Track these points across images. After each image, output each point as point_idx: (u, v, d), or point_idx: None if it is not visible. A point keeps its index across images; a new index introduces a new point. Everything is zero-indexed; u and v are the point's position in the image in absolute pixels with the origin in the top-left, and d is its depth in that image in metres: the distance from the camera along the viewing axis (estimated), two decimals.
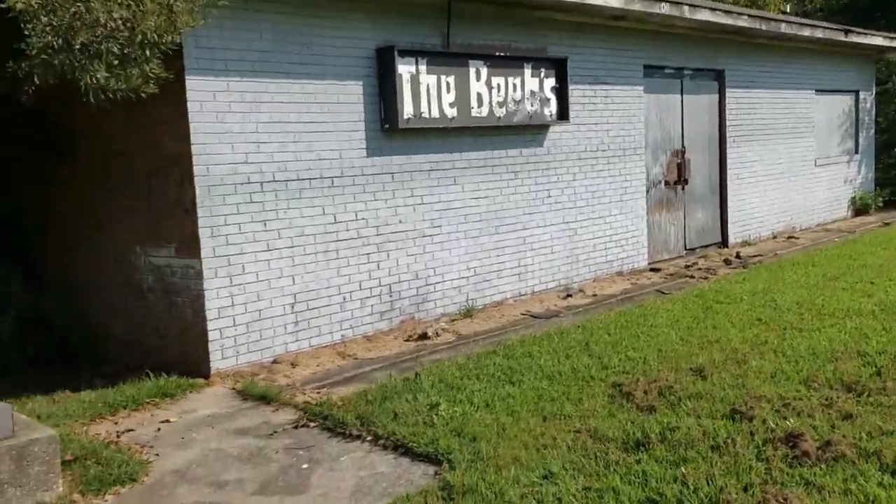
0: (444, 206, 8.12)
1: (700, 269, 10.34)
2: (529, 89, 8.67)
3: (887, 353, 5.88)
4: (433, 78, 7.72)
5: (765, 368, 5.69)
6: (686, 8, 9.83)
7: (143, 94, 4.73)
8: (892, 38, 15.46)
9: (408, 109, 7.50)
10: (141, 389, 6.02)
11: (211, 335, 6.37)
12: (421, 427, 4.88)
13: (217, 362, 6.41)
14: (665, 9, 9.50)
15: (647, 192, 10.61)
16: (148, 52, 4.36)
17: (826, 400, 4.97)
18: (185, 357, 6.57)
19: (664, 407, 5.02)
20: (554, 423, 4.89)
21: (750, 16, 11.18)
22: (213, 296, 6.36)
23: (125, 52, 4.36)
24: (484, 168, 8.48)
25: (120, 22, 4.14)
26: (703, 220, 11.76)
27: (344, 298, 7.25)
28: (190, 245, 6.37)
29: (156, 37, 4.28)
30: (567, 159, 9.43)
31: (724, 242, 12.14)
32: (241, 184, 6.47)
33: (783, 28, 11.80)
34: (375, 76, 7.40)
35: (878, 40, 14.68)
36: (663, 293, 8.85)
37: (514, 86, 8.52)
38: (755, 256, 11.04)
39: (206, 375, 6.37)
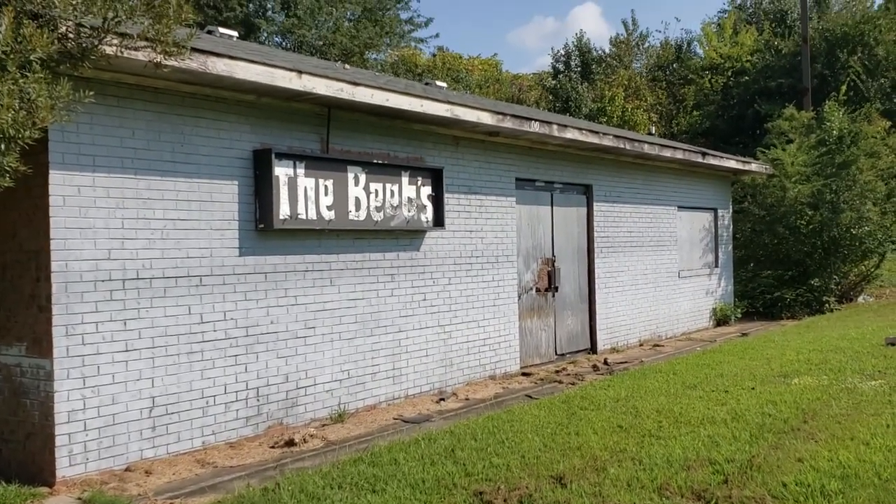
0: (319, 307, 8.08)
1: (569, 374, 10.61)
2: (407, 196, 8.90)
3: (735, 461, 6.15)
4: (311, 181, 7.82)
5: (622, 476, 5.83)
6: (555, 127, 10.44)
7: None
8: (745, 161, 16.85)
9: (284, 210, 7.54)
10: None
11: (59, 440, 6.01)
12: None
13: (64, 469, 6.02)
14: (535, 127, 10.07)
15: (519, 297, 10.92)
16: (4, 146, 4.25)
17: None
18: (30, 463, 6.16)
19: None
20: None
21: (615, 136, 11.96)
22: (63, 398, 6.03)
23: None
24: (361, 270, 8.55)
25: None
26: (573, 326, 12.14)
27: (207, 402, 7.01)
28: (42, 343, 6.07)
29: (12, 131, 4.18)
30: (443, 264, 9.63)
31: (593, 349, 12.53)
32: (102, 280, 6.26)
33: (646, 148, 12.65)
34: (252, 176, 7.42)
35: (731, 163, 15.93)
36: (532, 398, 9.01)
37: (392, 192, 8.73)
38: (622, 363, 11.44)
39: (51, 484, 5.97)
